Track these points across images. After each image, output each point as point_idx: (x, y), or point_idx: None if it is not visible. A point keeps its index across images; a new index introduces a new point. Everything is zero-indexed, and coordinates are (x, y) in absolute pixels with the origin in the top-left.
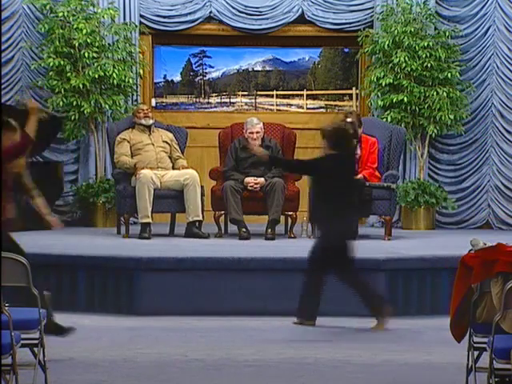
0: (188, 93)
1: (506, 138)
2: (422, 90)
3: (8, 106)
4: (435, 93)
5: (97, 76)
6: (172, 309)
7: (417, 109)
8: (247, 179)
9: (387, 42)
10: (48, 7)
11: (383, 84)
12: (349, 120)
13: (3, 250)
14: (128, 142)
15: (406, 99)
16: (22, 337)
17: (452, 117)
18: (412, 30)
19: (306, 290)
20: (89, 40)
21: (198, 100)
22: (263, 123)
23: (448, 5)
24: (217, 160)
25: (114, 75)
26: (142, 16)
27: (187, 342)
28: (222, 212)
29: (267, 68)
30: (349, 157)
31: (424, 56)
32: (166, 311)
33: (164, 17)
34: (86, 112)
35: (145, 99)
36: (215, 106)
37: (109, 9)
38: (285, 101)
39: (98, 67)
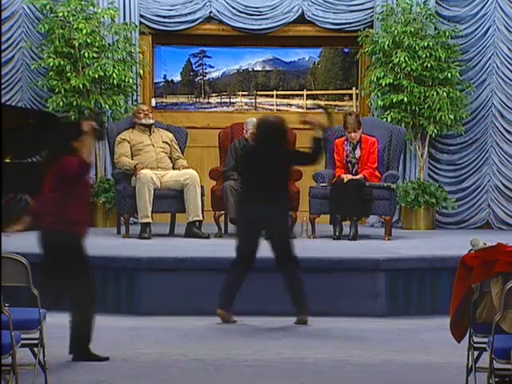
0: (188, 93)
1: (506, 138)
2: (422, 90)
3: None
4: (435, 93)
5: (97, 76)
6: (172, 309)
7: (417, 109)
8: None
9: (387, 42)
10: (48, 7)
11: (383, 84)
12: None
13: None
14: (128, 142)
15: (406, 99)
16: (22, 337)
17: (452, 117)
18: (412, 29)
19: (292, 287)
20: (89, 40)
21: (198, 100)
22: None
23: (448, 5)
24: (217, 160)
25: (114, 75)
26: (142, 16)
27: (187, 342)
28: (222, 212)
29: (267, 68)
30: (265, 151)
31: (424, 56)
32: (166, 311)
33: (164, 17)
34: (85, 112)
35: (145, 99)
36: (215, 106)
37: (109, 9)
38: (285, 101)
39: (98, 67)
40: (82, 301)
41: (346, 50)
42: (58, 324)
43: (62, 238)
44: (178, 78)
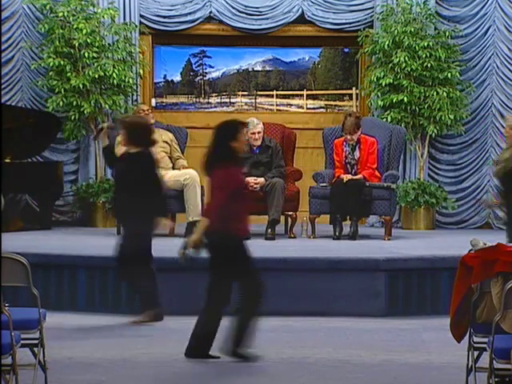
0: (188, 93)
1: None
2: (422, 90)
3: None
4: (435, 93)
5: (97, 76)
6: (172, 309)
7: (417, 109)
8: (247, 179)
9: (387, 42)
10: (48, 7)
11: (383, 84)
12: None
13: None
14: None
15: (406, 99)
16: (22, 337)
17: (452, 117)
18: (412, 30)
19: (143, 289)
20: (89, 40)
21: (198, 100)
22: (263, 123)
23: (448, 5)
24: None
25: (114, 75)
26: (142, 16)
27: (187, 342)
28: None
29: (267, 68)
30: (150, 153)
31: (424, 56)
32: (166, 311)
33: (164, 17)
34: (85, 112)
35: (145, 99)
36: (215, 106)
37: (109, 9)
38: (285, 101)
39: (98, 67)
40: (247, 301)
41: (346, 50)
42: (58, 324)
43: (226, 239)
44: (178, 78)
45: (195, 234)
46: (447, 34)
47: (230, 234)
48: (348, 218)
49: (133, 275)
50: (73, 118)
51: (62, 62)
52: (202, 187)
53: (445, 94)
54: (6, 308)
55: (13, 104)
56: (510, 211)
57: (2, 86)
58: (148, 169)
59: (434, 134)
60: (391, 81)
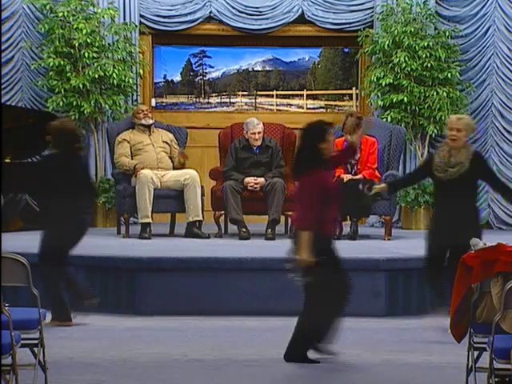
0: (188, 93)
1: (506, 138)
2: (422, 90)
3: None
4: (435, 93)
5: (97, 76)
6: (172, 309)
7: (417, 109)
8: (247, 179)
9: (387, 42)
10: (48, 7)
11: (383, 84)
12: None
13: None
14: (128, 142)
15: (406, 99)
16: (22, 337)
17: None
18: (412, 30)
19: (50, 290)
20: (89, 40)
21: (198, 100)
22: (263, 123)
23: (448, 5)
24: (217, 160)
25: (114, 75)
26: (142, 16)
27: (187, 342)
28: (222, 212)
29: (267, 68)
30: (71, 157)
31: (424, 56)
32: (166, 311)
33: (164, 17)
34: (85, 112)
35: (145, 99)
36: (215, 106)
37: (109, 9)
38: (285, 101)
39: (98, 67)
40: (336, 299)
41: (346, 50)
42: (58, 324)
43: (318, 241)
44: (178, 77)
45: (303, 253)
46: (447, 34)
47: (322, 236)
48: (348, 217)
49: (50, 275)
50: (73, 117)
51: (62, 62)
52: (202, 187)
53: (445, 94)
54: (6, 308)
55: (13, 104)
56: (436, 216)
57: (2, 86)
58: (66, 170)
59: (433, 134)
60: (391, 81)
